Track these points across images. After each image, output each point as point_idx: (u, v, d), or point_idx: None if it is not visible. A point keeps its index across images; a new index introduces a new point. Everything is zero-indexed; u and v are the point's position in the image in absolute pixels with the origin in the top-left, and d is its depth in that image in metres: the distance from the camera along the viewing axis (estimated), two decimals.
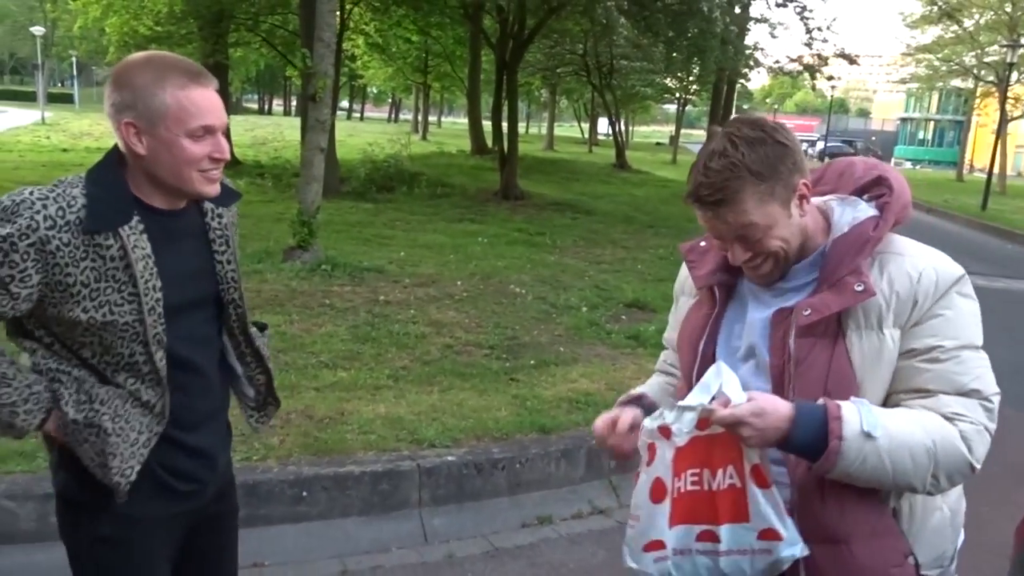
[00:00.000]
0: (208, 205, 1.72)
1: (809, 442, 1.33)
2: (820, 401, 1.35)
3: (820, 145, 50.24)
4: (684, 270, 1.69)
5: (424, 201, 13.82)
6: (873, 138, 61.35)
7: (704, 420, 1.39)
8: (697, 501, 1.40)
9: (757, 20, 17.69)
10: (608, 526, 3.72)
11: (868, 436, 1.31)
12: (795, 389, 1.40)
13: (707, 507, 1.39)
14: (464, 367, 5.05)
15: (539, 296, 7.18)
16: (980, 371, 1.38)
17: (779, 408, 1.34)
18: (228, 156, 1.61)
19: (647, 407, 1.61)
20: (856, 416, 1.32)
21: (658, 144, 57.57)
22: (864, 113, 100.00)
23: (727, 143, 1.37)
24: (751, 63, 19.70)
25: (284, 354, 4.92)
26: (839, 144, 51.88)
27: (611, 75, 27.06)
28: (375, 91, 64.26)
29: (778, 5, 16.58)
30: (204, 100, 1.54)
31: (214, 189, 1.62)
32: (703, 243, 1.60)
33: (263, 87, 73.22)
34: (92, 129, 28.59)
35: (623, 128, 35.40)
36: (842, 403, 1.34)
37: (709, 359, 1.53)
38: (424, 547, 3.44)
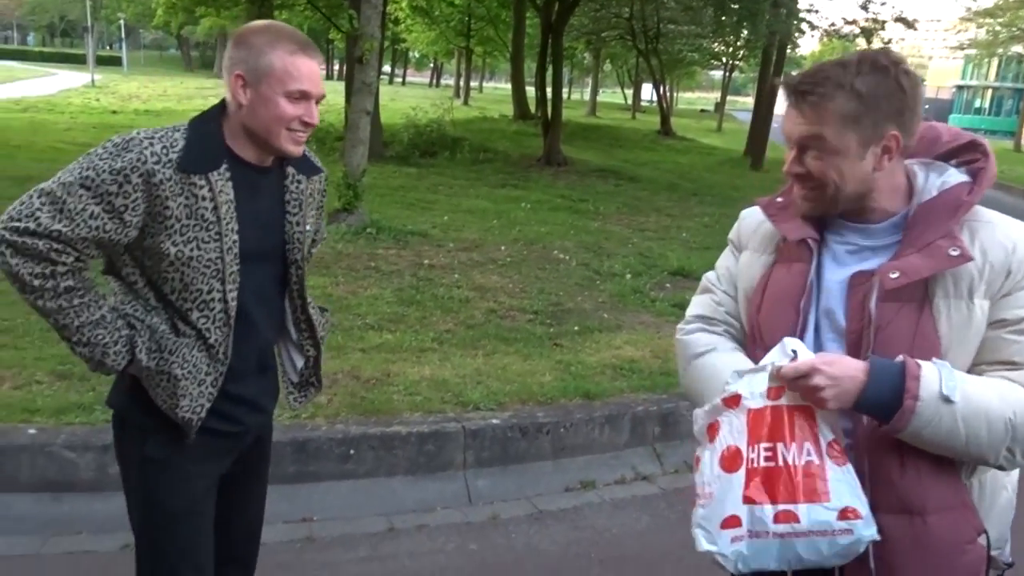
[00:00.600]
0: (290, 170, 1.85)
1: (884, 399, 1.27)
2: (899, 358, 1.29)
3: None
4: (749, 223, 1.61)
5: (467, 166, 13.79)
6: (927, 106, 59.40)
7: (775, 389, 1.34)
8: (773, 477, 1.33)
9: None
10: (651, 492, 3.72)
11: (946, 400, 1.25)
12: (878, 355, 1.33)
13: (784, 484, 1.32)
14: (508, 332, 5.05)
15: (583, 262, 7.14)
16: None
17: (852, 361, 1.30)
18: (316, 122, 1.77)
19: None
20: (936, 376, 1.26)
21: (703, 111, 56.52)
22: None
23: (855, 57, 1.33)
24: (804, 27, 19.12)
25: (331, 315, 4.95)
26: None
27: (657, 40, 26.49)
28: (417, 56, 63.97)
29: None
30: (306, 68, 1.70)
31: (297, 149, 1.78)
32: (780, 199, 1.53)
33: None
34: (140, 92, 29.02)
35: (668, 94, 34.77)
36: (922, 362, 1.28)
37: (805, 322, 1.45)
38: (468, 508, 3.48)
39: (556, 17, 15.65)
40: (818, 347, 1.41)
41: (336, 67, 54.67)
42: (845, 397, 1.29)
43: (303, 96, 1.71)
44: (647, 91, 44.31)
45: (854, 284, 1.37)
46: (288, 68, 1.67)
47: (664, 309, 5.90)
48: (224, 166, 1.70)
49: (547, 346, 4.87)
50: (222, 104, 1.78)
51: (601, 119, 34.00)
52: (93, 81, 34.21)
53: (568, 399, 4.11)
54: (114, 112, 20.09)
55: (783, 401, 1.34)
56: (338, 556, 3.06)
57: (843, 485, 1.31)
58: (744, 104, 58.28)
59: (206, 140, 1.70)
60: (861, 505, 1.31)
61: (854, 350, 1.36)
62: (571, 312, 5.63)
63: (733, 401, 1.38)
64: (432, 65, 67.43)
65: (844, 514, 1.30)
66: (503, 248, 7.36)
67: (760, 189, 14.65)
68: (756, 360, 1.43)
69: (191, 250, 1.66)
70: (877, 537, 1.31)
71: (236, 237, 1.72)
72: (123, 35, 62.64)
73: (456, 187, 11.28)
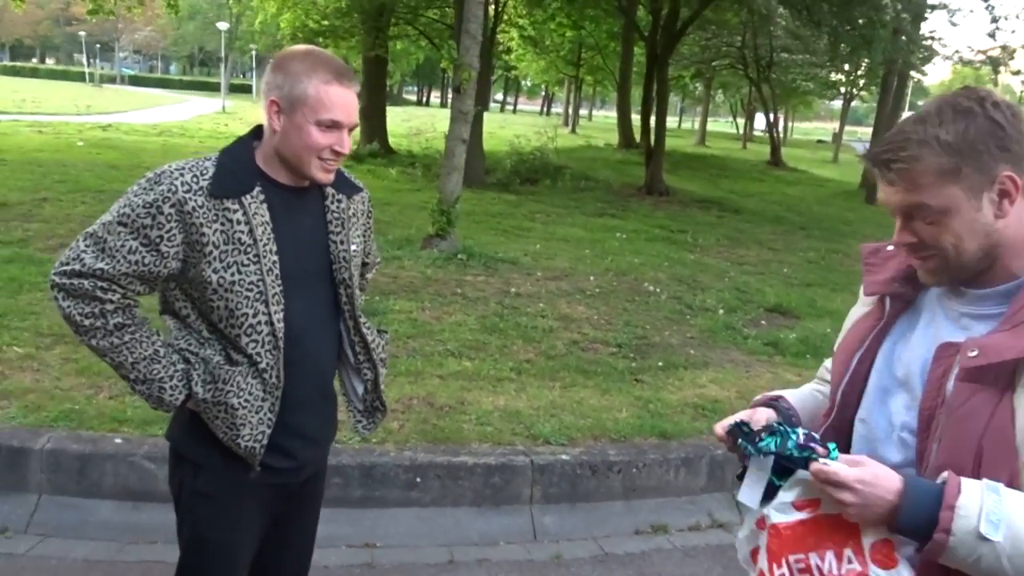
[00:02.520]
0: (330, 190, 1.86)
1: (919, 526, 1.13)
2: (942, 477, 1.14)
3: None
4: None
5: (567, 194, 13.79)
6: None
7: (804, 502, 1.23)
8: None
9: (934, 7, 16.31)
10: (727, 541, 3.54)
11: (984, 538, 1.08)
12: (941, 440, 1.19)
13: None
14: (588, 364, 4.97)
15: (674, 295, 6.97)
16: None
17: (890, 479, 1.16)
18: (347, 151, 1.76)
19: (784, 411, 1.45)
20: (976, 508, 1.09)
21: (819, 142, 54.71)
22: None
23: (933, 107, 1.20)
24: (926, 54, 18.22)
25: (413, 340, 5.03)
26: None
27: (770, 68, 25.90)
28: (528, 84, 64.90)
29: None
30: (340, 98, 1.71)
31: (327, 178, 1.77)
32: (889, 247, 1.40)
33: (422, 79, 75.83)
34: None
35: (781, 124, 33.83)
36: (966, 485, 1.12)
37: (863, 376, 1.35)
38: (532, 544, 3.41)
39: (661, 46, 15.54)
40: (883, 416, 1.29)
41: (450, 95, 56.13)
42: (875, 519, 1.17)
43: (334, 125, 1.71)
44: (760, 121, 43.29)
45: (939, 356, 1.23)
46: (322, 97, 1.68)
47: (756, 347, 5.66)
48: (257, 189, 1.72)
49: (627, 381, 4.76)
50: (256, 129, 1.81)
51: (709, 148, 33.41)
52: (224, 107, 36.46)
53: (643, 437, 3.98)
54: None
55: (816, 512, 1.23)
56: None
57: None
58: (865, 134, 56.00)
59: (237, 165, 1.73)
60: None
61: (924, 429, 1.23)
62: (656, 346, 5.49)
63: (762, 523, 1.29)
64: (543, 93, 68.24)
65: None
66: (592, 278, 7.28)
67: (873, 223, 14.02)
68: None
69: (232, 275, 1.68)
70: None
71: (275, 258, 1.72)
72: (254, 64, 66.53)
73: (553, 215, 11.28)
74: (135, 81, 68.94)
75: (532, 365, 4.87)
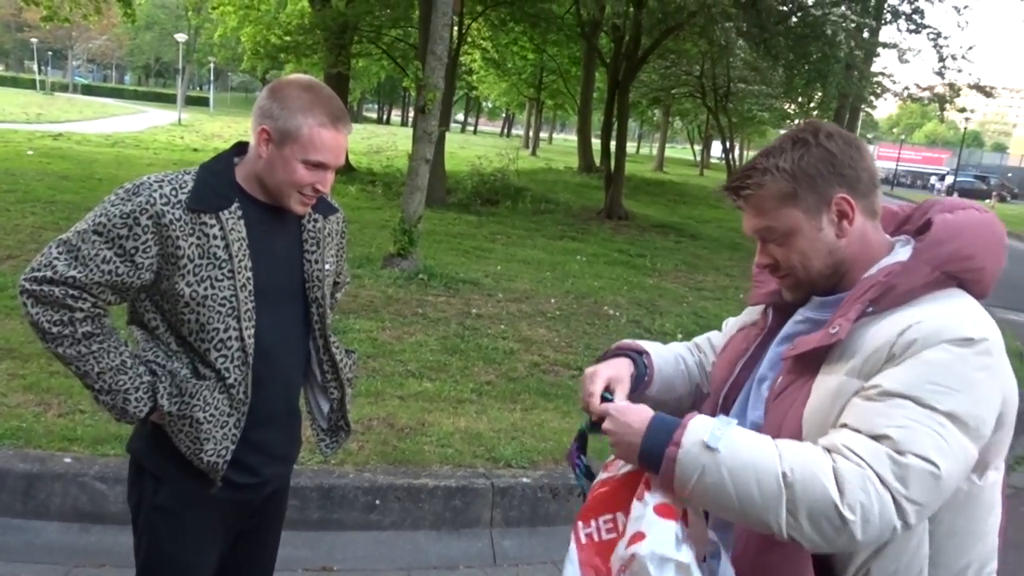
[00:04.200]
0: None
1: (654, 450, 1.23)
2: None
3: (949, 179, 47.55)
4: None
5: (527, 216, 13.86)
6: (1009, 175, 57.52)
7: (611, 462, 1.37)
8: (609, 548, 1.30)
9: (886, 45, 16.88)
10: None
11: (707, 447, 1.17)
12: (765, 422, 1.32)
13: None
14: (549, 387, 4.98)
15: (633, 319, 7.04)
16: (913, 426, 1.14)
17: (640, 411, 1.29)
18: (327, 190, 1.77)
19: (641, 367, 1.54)
20: (705, 426, 1.21)
21: None
22: (1001, 148, 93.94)
23: (777, 141, 1.34)
24: (877, 90, 18.84)
25: (373, 360, 4.99)
26: (971, 179, 48.94)
27: (727, 98, 26.44)
28: (490, 105, 65.31)
29: (911, 31, 15.79)
30: (331, 141, 1.71)
31: (303, 210, 1.79)
32: None
33: (383, 97, 75.77)
34: (223, 131, 30.24)
35: (738, 152, 34.53)
36: (703, 416, 1.25)
37: (740, 382, 1.45)
38: (492, 568, 3.38)
39: (623, 73, 15.79)
40: (741, 413, 1.40)
41: (411, 114, 56.17)
42: (629, 450, 1.27)
43: (320, 166, 1.72)
44: (717, 148, 44.12)
45: (783, 355, 1.34)
46: (314, 138, 1.68)
47: None
48: (236, 205, 1.72)
49: None
50: (238, 146, 1.81)
51: (667, 174, 33.93)
52: (180, 120, 35.91)
53: (604, 461, 3.99)
54: (195, 150, 20.96)
55: (621, 469, 1.32)
56: None
57: (644, 516, 1.22)
58: None
59: (216, 180, 1.73)
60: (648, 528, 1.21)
61: (765, 421, 1.35)
62: None
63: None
64: (504, 115, 68.69)
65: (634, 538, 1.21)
66: (553, 300, 7.32)
67: None
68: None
69: (205, 289, 1.68)
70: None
71: (250, 274, 1.72)
72: (212, 77, 65.76)
73: (514, 236, 11.33)
74: (88, 90, 67.50)
75: (493, 387, 4.87)
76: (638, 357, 1.56)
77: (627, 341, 1.61)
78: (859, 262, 1.32)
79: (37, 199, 9.44)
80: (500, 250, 9.97)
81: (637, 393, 1.54)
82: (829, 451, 1.17)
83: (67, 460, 3.31)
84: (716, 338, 1.71)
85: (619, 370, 1.49)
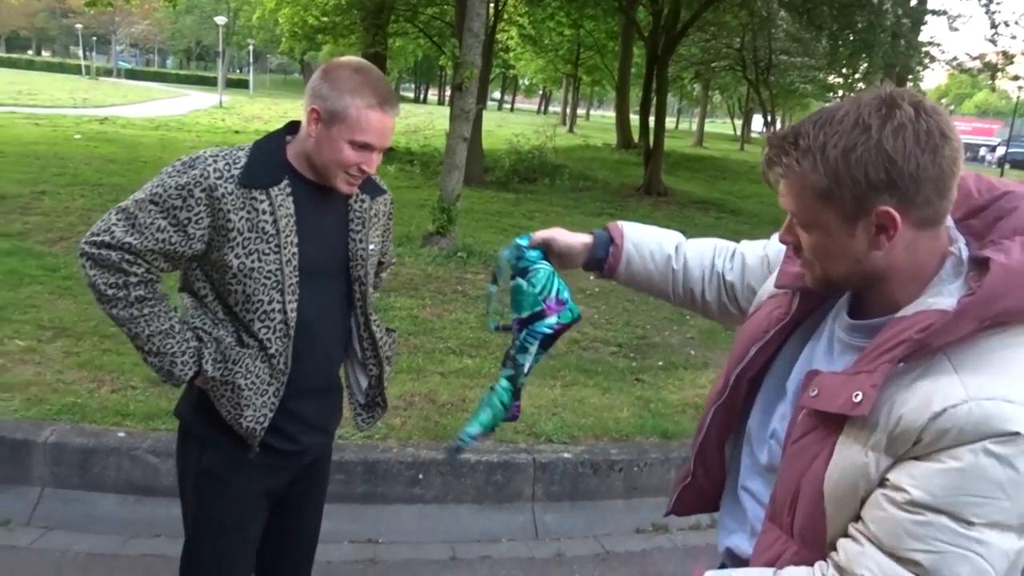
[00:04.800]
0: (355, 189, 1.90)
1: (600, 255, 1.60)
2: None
3: (1001, 151, 46.08)
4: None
5: (565, 193, 13.81)
6: None
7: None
8: None
9: (934, 12, 16.36)
10: None
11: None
12: (782, 466, 1.18)
13: None
14: (589, 364, 4.98)
15: None
16: (946, 550, 0.98)
17: (580, 237, 1.62)
18: (373, 170, 1.82)
19: (603, 251, 1.65)
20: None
21: None
22: None
23: (842, 109, 1.07)
24: (925, 60, 18.29)
25: (414, 337, 5.04)
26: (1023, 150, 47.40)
27: (768, 70, 25.95)
28: (526, 83, 64.93)
29: None
30: (379, 123, 1.73)
31: (350, 190, 1.84)
32: None
33: (420, 77, 75.80)
34: (262, 113, 30.58)
35: (779, 126, 33.88)
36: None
37: (757, 367, 1.31)
38: (534, 542, 3.42)
39: (662, 47, 15.56)
40: (766, 417, 1.29)
41: (447, 93, 56.11)
42: (576, 259, 1.62)
43: (367, 147, 1.75)
44: (758, 122, 43.34)
45: (805, 382, 1.18)
46: (361, 120, 1.71)
47: None
48: (285, 182, 1.77)
49: (628, 381, 4.77)
50: (290, 125, 1.86)
51: (708, 149, 33.47)
52: (221, 102, 36.34)
53: (645, 437, 4.00)
54: (236, 132, 21.22)
55: None
56: None
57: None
58: None
59: (268, 158, 1.78)
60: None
61: (784, 445, 1.22)
62: (656, 347, 5.51)
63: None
64: (541, 92, 68.27)
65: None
66: (592, 277, 7.29)
67: None
68: None
69: (252, 262, 1.73)
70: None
71: (296, 250, 1.77)
72: (251, 60, 66.38)
73: (552, 214, 11.30)
74: (132, 75, 68.65)
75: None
76: (603, 241, 1.62)
77: (616, 224, 1.64)
78: (898, 275, 1.10)
79: (85, 182, 9.66)
80: (538, 227, 9.84)
81: (601, 275, 1.63)
82: (842, 572, 1.06)
83: (120, 435, 3.41)
84: (751, 257, 1.55)
85: (569, 239, 1.62)
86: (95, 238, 1.72)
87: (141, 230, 1.70)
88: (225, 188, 1.70)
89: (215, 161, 1.72)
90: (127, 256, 1.71)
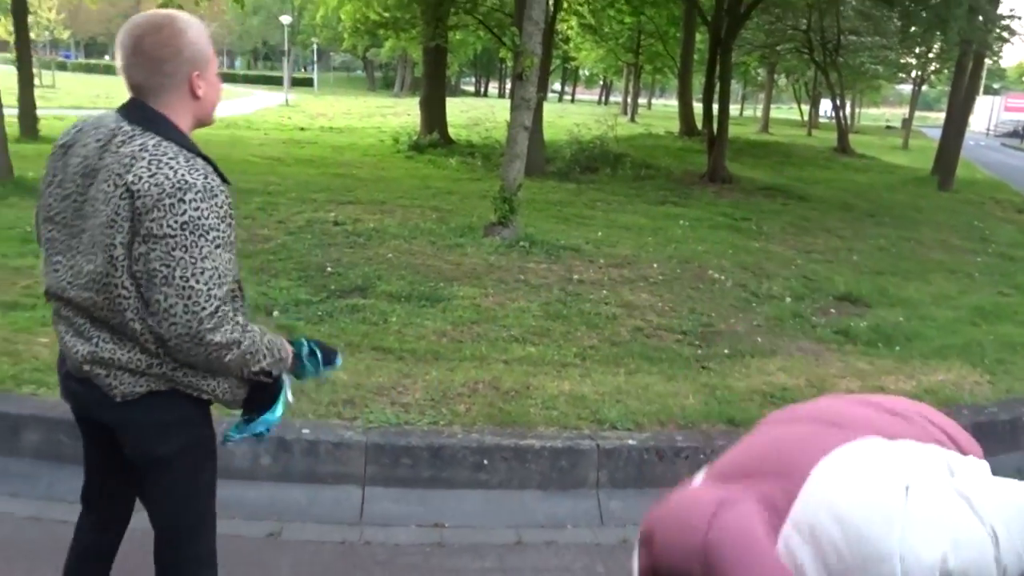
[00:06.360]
0: None
1: None
2: None
3: None
4: None
5: (627, 183, 13.68)
6: None
7: None
8: None
9: None
10: None
11: None
12: None
13: None
14: (653, 351, 4.93)
15: (739, 283, 6.86)
16: None
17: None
18: None
19: None
20: None
21: (888, 127, 52.96)
22: None
23: None
24: (1004, 35, 17.46)
25: (477, 326, 5.07)
26: None
27: (837, 52, 25.16)
28: (587, 73, 64.47)
29: None
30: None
31: None
32: None
33: (480, 70, 76.06)
34: (327, 110, 31.17)
35: (848, 109, 32.88)
36: None
37: None
38: (599, 528, 3.41)
39: (725, 31, 15.25)
40: None
41: (508, 85, 56.12)
42: None
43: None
44: (826, 107, 42.05)
45: None
46: (209, 47, 1.86)
47: (825, 336, 5.54)
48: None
49: (693, 368, 4.71)
50: (136, 114, 1.79)
51: (773, 135, 32.68)
52: (287, 101, 37.17)
53: (711, 424, 3.94)
54: (302, 129, 21.68)
55: None
56: (465, 564, 3.08)
57: None
58: (936, 120, 54.02)
59: (202, 155, 1.79)
60: None
61: None
62: (722, 334, 5.42)
63: None
64: (602, 83, 67.70)
65: None
66: (656, 265, 7.21)
67: (946, 210, 13.53)
68: None
69: (234, 251, 1.82)
70: None
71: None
72: (315, 58, 67.61)
73: (614, 203, 11.20)
74: None
75: (596, 351, 4.86)
76: None
77: None
78: None
79: None
80: (600, 216, 9.88)
81: None
82: None
83: None
84: None
85: None
86: (211, 313, 1.67)
87: (225, 274, 1.71)
88: (225, 194, 1.75)
89: (206, 173, 1.71)
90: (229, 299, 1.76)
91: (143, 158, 1.66)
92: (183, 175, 1.65)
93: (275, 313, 5.01)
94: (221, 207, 1.69)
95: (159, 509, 2.00)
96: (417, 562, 3.05)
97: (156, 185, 1.63)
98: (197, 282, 1.65)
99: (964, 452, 1.28)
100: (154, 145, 1.69)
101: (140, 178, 1.64)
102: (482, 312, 5.37)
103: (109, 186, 1.67)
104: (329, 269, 6.14)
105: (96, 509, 2.15)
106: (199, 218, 1.65)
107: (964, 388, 4.60)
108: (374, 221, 8.14)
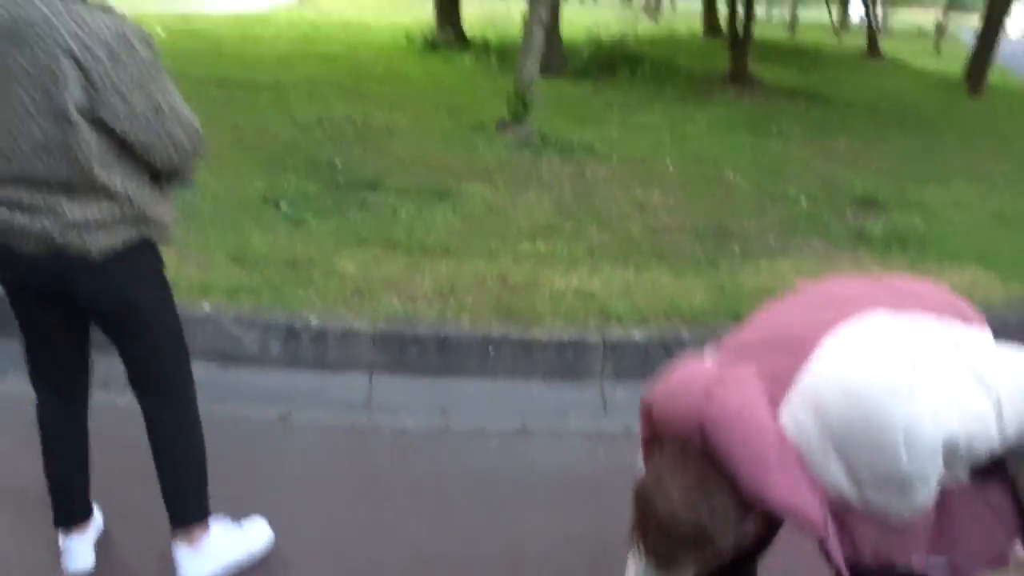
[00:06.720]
0: None
1: None
2: None
3: None
4: None
5: (646, 83, 13.28)
6: None
7: None
8: None
9: None
10: None
11: None
12: None
13: None
14: (664, 249, 4.89)
15: (755, 184, 6.74)
16: None
17: None
18: None
19: None
20: None
21: (921, 30, 50.89)
22: None
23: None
24: None
25: (487, 221, 5.04)
26: None
27: None
28: None
29: None
30: None
31: None
32: None
33: None
34: (342, 6, 30.24)
35: (879, 11, 31.48)
36: None
37: None
38: (603, 418, 3.46)
39: None
40: None
41: None
42: None
43: None
44: (856, 8, 40.28)
45: None
46: None
47: (839, 236, 5.46)
48: None
49: (703, 265, 4.67)
50: None
51: (801, 38, 31.50)
52: None
53: (718, 320, 3.93)
54: (317, 27, 21.08)
55: None
56: (471, 447, 3.15)
57: None
58: (971, 23, 51.77)
59: None
60: None
61: None
62: (735, 234, 5.35)
63: None
64: None
65: None
66: (671, 166, 7.08)
67: (975, 115, 13.10)
68: None
69: None
70: None
71: None
72: None
73: (631, 103, 10.92)
74: None
75: (606, 248, 4.83)
76: None
77: None
78: None
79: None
80: (616, 116, 9.65)
81: None
82: None
83: (206, 307, 3.56)
84: None
85: None
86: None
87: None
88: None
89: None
90: None
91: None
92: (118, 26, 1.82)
93: (282, 204, 4.98)
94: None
95: (143, 351, 2.16)
96: (425, 445, 3.12)
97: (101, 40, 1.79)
98: (170, 106, 1.97)
99: (969, 323, 1.27)
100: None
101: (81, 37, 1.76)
102: (493, 208, 5.33)
103: (42, 53, 1.72)
104: (339, 164, 6.08)
105: (53, 380, 2.22)
106: (144, 48, 1.90)
107: (976, 291, 4.55)
108: (385, 118, 8.00)
